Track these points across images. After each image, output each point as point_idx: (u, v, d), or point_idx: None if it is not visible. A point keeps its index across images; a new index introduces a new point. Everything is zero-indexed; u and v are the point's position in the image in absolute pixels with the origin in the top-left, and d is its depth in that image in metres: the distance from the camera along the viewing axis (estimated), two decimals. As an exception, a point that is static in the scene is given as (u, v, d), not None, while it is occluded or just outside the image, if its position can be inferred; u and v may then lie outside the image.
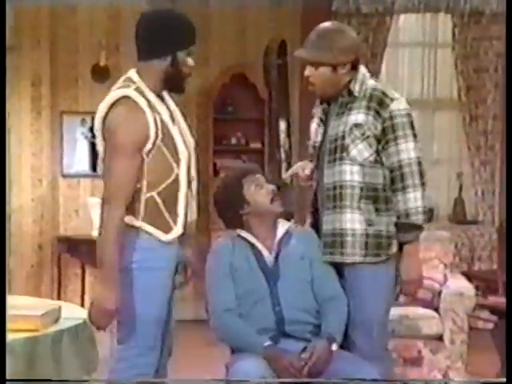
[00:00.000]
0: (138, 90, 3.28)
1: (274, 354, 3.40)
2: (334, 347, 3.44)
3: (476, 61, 7.96)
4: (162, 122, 3.29)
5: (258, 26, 7.86)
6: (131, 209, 3.28)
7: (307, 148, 3.84)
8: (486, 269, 7.91)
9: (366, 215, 3.52)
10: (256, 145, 7.96)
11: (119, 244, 3.21)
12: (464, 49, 7.95)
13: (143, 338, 3.33)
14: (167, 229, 3.31)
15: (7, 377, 2.78)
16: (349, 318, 3.56)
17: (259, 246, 3.62)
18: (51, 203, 7.11)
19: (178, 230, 3.32)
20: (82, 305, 6.69)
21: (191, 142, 3.43)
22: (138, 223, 3.29)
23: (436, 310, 5.25)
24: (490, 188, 8.06)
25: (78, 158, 7.18)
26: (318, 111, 3.73)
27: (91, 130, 7.13)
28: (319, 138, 3.68)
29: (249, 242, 3.63)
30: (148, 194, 3.28)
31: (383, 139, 3.51)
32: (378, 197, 3.53)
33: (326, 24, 3.64)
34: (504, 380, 2.99)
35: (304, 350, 3.41)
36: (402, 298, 4.72)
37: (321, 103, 3.71)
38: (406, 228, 3.51)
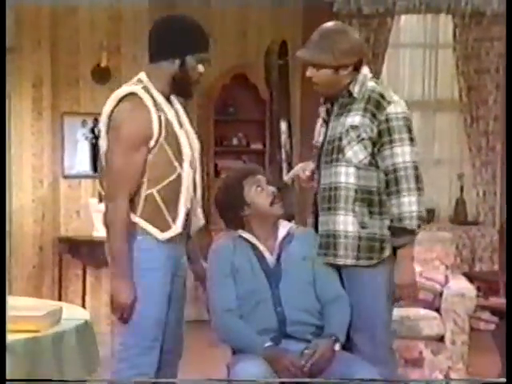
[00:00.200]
0: (145, 88, 3.34)
1: (274, 354, 3.39)
2: (337, 347, 3.44)
3: (477, 62, 7.97)
4: (167, 121, 3.33)
5: (259, 27, 7.87)
6: (131, 204, 3.32)
7: (309, 148, 3.84)
8: (487, 270, 7.91)
9: (360, 218, 3.50)
10: (257, 146, 7.96)
11: (127, 238, 3.26)
12: (465, 50, 7.96)
13: (142, 338, 3.34)
14: (165, 227, 3.34)
15: (8, 377, 2.78)
16: (349, 320, 3.56)
17: (260, 246, 3.62)
18: (52, 204, 7.11)
19: (176, 229, 3.35)
20: (83, 305, 6.68)
21: (197, 147, 3.47)
22: (136, 219, 3.33)
23: (437, 310, 5.25)
24: (491, 189, 8.06)
25: (78, 159, 7.17)
26: (321, 111, 3.72)
27: (92, 130, 7.14)
28: (321, 138, 3.68)
29: (250, 242, 3.63)
30: (148, 191, 3.32)
31: (379, 142, 3.49)
32: (372, 200, 3.51)
33: (329, 25, 3.63)
34: (504, 380, 2.98)
35: (306, 348, 3.41)
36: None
37: (324, 103, 3.71)
38: (399, 232, 3.49)
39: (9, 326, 2.93)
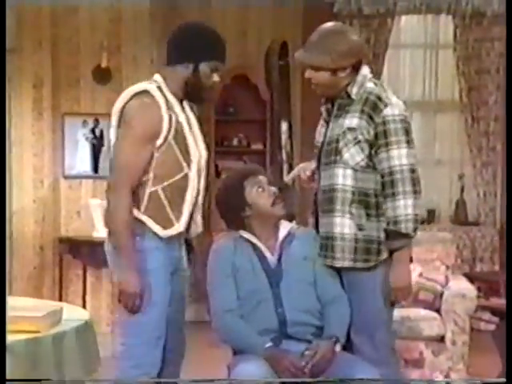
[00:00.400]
0: (158, 88, 3.41)
1: (275, 354, 3.39)
2: (338, 348, 3.44)
3: (477, 62, 7.96)
4: (178, 122, 3.39)
5: (259, 27, 7.86)
6: (135, 201, 3.35)
7: (310, 149, 3.83)
8: (487, 270, 7.90)
9: (357, 220, 3.50)
10: (257, 146, 7.96)
11: (131, 228, 3.30)
12: (465, 50, 7.95)
13: (145, 337, 3.35)
14: (168, 225, 3.37)
15: (8, 377, 2.78)
16: (351, 322, 3.56)
17: (261, 247, 3.62)
18: (53, 204, 7.11)
19: (178, 227, 3.38)
20: (84, 306, 6.69)
21: (204, 155, 3.48)
22: (139, 215, 3.36)
23: (437, 311, 5.24)
24: (492, 189, 8.05)
25: (79, 160, 7.17)
26: (323, 111, 3.72)
27: (93, 131, 7.14)
28: (321, 139, 3.68)
29: (251, 242, 3.62)
30: (153, 188, 3.36)
31: (375, 144, 3.47)
32: (369, 202, 3.50)
33: (327, 26, 3.61)
34: (504, 380, 2.99)
35: (307, 349, 3.41)
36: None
37: (325, 103, 3.70)
38: (394, 235, 3.47)
39: (9, 326, 2.93)
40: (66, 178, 7.15)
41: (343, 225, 3.51)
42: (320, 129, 3.71)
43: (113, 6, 7.09)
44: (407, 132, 3.49)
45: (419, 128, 8.12)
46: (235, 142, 7.96)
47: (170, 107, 3.38)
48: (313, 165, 3.72)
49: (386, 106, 3.48)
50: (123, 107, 3.39)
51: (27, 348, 3.03)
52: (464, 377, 5.10)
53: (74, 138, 7.15)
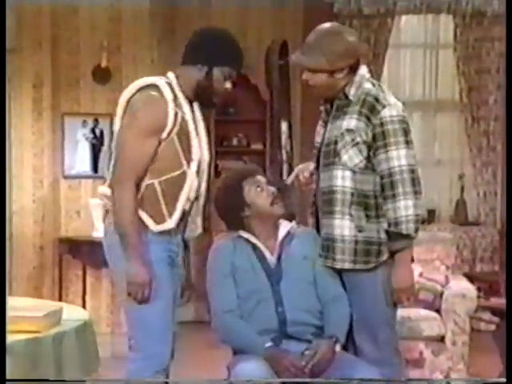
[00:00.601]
0: (168, 84, 3.42)
1: (275, 354, 3.39)
2: (338, 348, 3.44)
3: (478, 62, 7.96)
4: (183, 119, 3.40)
5: (259, 27, 7.87)
6: None
7: (310, 149, 3.83)
8: (487, 270, 7.90)
9: (357, 221, 3.49)
10: (257, 146, 7.96)
11: (137, 220, 3.31)
12: (466, 50, 7.95)
13: (152, 330, 3.36)
14: (160, 219, 3.37)
15: (8, 378, 2.78)
16: (352, 323, 3.56)
17: (261, 246, 3.61)
18: (52, 204, 7.11)
19: (170, 223, 3.39)
20: (84, 306, 6.68)
21: (206, 159, 3.47)
22: None
23: (438, 311, 5.24)
24: (492, 189, 8.05)
25: (79, 159, 7.17)
26: (322, 111, 3.71)
27: (92, 131, 7.14)
28: (320, 139, 3.67)
29: (250, 242, 3.62)
30: (149, 181, 3.37)
31: (374, 146, 3.46)
32: (368, 203, 3.49)
33: (324, 27, 3.59)
34: (504, 380, 2.99)
35: (307, 349, 3.41)
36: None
37: (324, 103, 3.69)
38: (396, 237, 3.47)
39: (9, 326, 2.93)
40: (65, 177, 7.15)
41: (343, 226, 3.50)
42: (319, 129, 3.71)
43: (113, 6, 7.09)
44: (406, 133, 3.48)
45: (419, 128, 8.12)
46: (235, 141, 7.96)
47: (177, 104, 3.39)
48: (311, 166, 3.71)
49: (383, 107, 3.46)
50: (130, 98, 3.40)
51: (27, 348, 3.03)
52: (464, 377, 5.10)
53: (74, 138, 7.15)
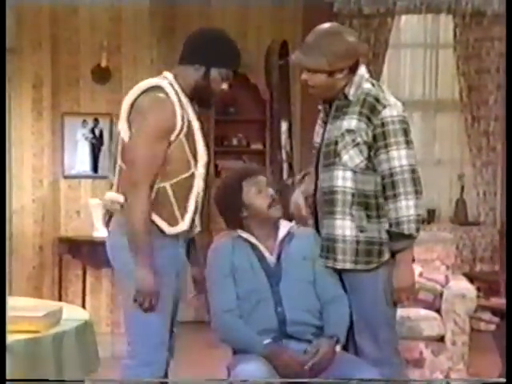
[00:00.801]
0: (170, 84, 3.41)
1: (274, 350, 3.40)
2: (338, 348, 3.44)
3: (478, 62, 7.96)
4: (188, 120, 3.39)
5: (259, 27, 7.86)
6: None
7: (310, 149, 3.82)
8: (487, 270, 7.90)
9: (358, 222, 3.49)
10: (257, 146, 7.96)
11: (149, 223, 3.28)
12: (466, 50, 7.95)
13: (151, 336, 3.35)
14: (173, 222, 3.36)
15: (8, 378, 2.78)
16: (352, 323, 3.55)
17: (260, 246, 3.61)
18: (52, 204, 7.11)
19: (183, 225, 3.38)
20: (83, 306, 6.69)
21: (205, 159, 3.46)
22: None
23: (438, 311, 5.24)
24: (492, 189, 8.05)
25: (79, 159, 7.18)
26: (320, 111, 3.71)
27: (92, 131, 7.14)
28: (319, 140, 3.67)
29: (249, 242, 3.62)
30: (161, 184, 3.36)
31: (374, 146, 3.46)
32: (369, 203, 3.49)
33: (323, 27, 3.58)
34: (504, 380, 2.98)
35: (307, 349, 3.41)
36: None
37: (323, 103, 3.69)
38: (397, 237, 3.47)
39: (9, 326, 2.93)
40: (65, 177, 7.16)
41: (344, 227, 3.50)
42: (318, 130, 3.70)
43: (113, 6, 7.09)
44: (406, 133, 3.48)
45: (419, 128, 8.12)
46: (235, 141, 7.96)
47: (182, 104, 3.38)
48: (300, 198, 3.70)
49: (384, 107, 3.46)
50: (134, 101, 3.36)
51: (27, 348, 3.03)
52: (464, 377, 5.10)
53: (74, 137, 7.15)
